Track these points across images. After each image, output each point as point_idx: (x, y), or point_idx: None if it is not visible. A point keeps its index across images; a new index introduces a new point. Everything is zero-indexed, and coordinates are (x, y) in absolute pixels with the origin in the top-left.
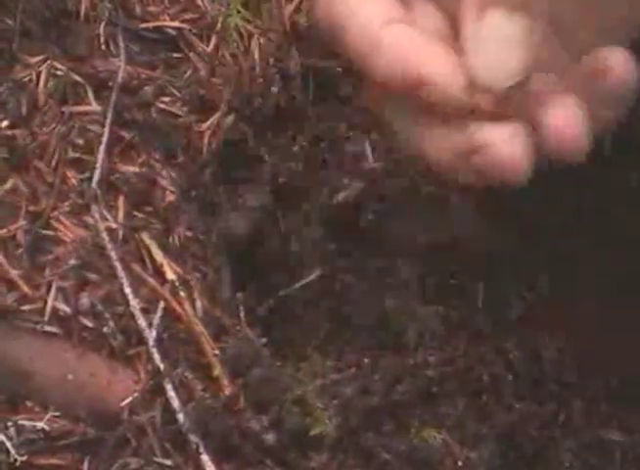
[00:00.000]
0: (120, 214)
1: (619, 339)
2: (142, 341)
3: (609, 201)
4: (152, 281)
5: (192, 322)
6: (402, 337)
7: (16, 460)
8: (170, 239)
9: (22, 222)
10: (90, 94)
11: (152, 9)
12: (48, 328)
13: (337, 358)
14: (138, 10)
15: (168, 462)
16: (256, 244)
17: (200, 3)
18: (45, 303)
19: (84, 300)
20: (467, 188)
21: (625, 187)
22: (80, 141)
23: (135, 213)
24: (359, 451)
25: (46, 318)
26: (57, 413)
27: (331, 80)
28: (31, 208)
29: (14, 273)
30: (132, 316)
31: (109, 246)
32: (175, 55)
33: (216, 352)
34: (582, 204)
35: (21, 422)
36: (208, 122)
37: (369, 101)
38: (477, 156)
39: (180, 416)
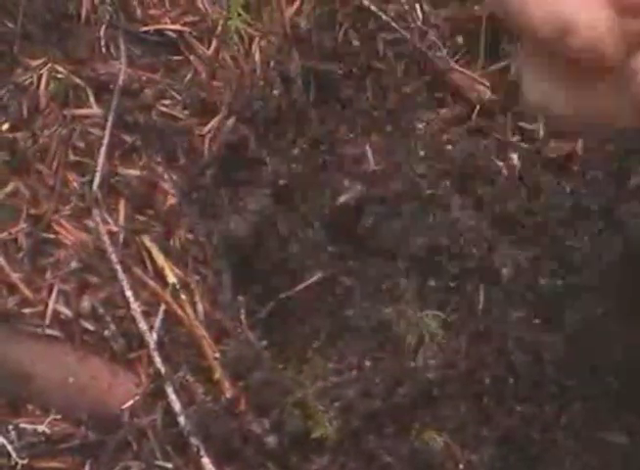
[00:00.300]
0: (121, 218)
1: (621, 340)
2: (143, 344)
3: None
4: (153, 284)
5: (193, 325)
6: (403, 340)
7: (17, 464)
8: (171, 242)
9: (23, 225)
10: (91, 97)
11: (152, 12)
12: (49, 331)
13: (337, 361)
14: (139, 13)
15: (169, 465)
16: (257, 247)
17: (200, 6)
18: (46, 306)
19: (85, 303)
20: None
21: None
22: (81, 144)
23: (136, 217)
24: (360, 454)
25: (47, 322)
26: (58, 416)
27: (332, 83)
28: (32, 211)
29: (15, 276)
30: (133, 320)
31: (110, 249)
32: (176, 58)
33: (217, 355)
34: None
35: (22, 425)
36: (209, 125)
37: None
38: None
39: (181, 419)
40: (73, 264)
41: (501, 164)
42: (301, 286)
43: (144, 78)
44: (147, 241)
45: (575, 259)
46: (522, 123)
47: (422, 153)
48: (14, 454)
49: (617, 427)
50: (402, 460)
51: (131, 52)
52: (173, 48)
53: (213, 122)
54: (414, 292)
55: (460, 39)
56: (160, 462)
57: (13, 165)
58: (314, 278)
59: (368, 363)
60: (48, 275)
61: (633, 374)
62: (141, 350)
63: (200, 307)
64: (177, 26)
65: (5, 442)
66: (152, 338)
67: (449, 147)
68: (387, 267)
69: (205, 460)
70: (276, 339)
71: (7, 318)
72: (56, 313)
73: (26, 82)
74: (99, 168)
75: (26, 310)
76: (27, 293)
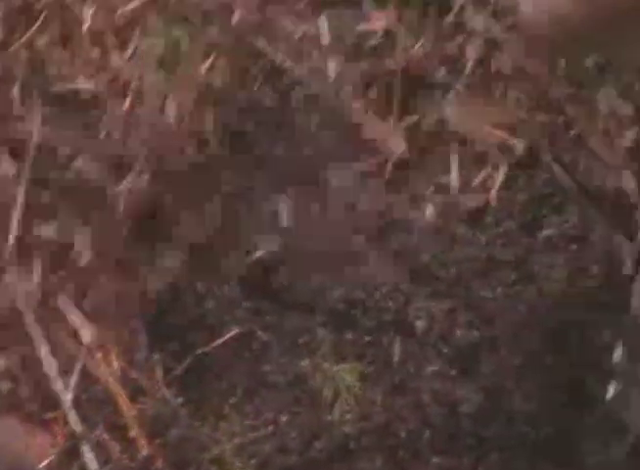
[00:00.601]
0: (37, 277)
1: (537, 392)
2: (59, 403)
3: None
4: (68, 343)
5: (109, 384)
6: (319, 393)
7: None
8: (87, 301)
9: None
10: (6, 156)
11: (67, 71)
12: None
13: (254, 417)
14: (53, 72)
15: None
16: (174, 303)
17: (115, 63)
18: None
19: (0, 363)
20: None
21: None
22: None
23: (52, 276)
24: None
25: None
26: None
27: (247, 138)
28: None
29: None
30: (49, 379)
31: (25, 308)
32: (90, 115)
33: (134, 412)
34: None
35: None
36: (125, 182)
37: None
38: None
39: None
40: None
41: (416, 216)
42: (218, 342)
43: (59, 137)
44: (62, 300)
45: (490, 311)
46: (436, 176)
47: (337, 207)
48: None
49: None
50: None
51: (46, 110)
52: (88, 106)
53: (128, 179)
54: (330, 345)
55: (374, 93)
56: None
57: None
58: (231, 334)
59: (284, 418)
60: None
61: (549, 424)
62: (57, 409)
63: (115, 366)
64: (92, 84)
65: None
66: (67, 397)
67: (365, 201)
68: (303, 321)
69: None
70: (193, 396)
71: None
72: None
73: None
74: (14, 228)
75: None
76: None
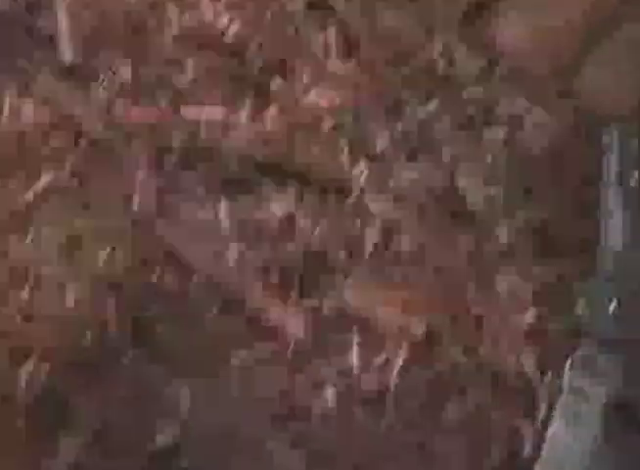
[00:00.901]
0: None
1: None
2: None
3: None
4: None
5: None
6: None
7: None
8: None
9: None
10: None
11: None
12: None
13: None
14: None
15: None
16: None
17: (14, 251)
18: None
19: None
20: None
21: None
22: None
23: None
24: None
25: None
26: None
27: (147, 324)
28: None
29: None
30: None
31: None
32: None
33: None
34: None
35: None
36: (24, 369)
37: None
38: None
39: None
40: None
41: (316, 400)
42: None
43: None
44: None
45: None
46: (336, 359)
47: (237, 391)
48: None
49: None
50: None
51: None
52: None
53: (27, 366)
54: None
55: (275, 277)
56: None
57: None
58: None
59: None
60: None
61: None
62: None
63: None
64: None
65: None
66: None
67: (265, 385)
68: None
69: None
70: None
71: None
72: None
73: None
74: None
75: None
76: None
